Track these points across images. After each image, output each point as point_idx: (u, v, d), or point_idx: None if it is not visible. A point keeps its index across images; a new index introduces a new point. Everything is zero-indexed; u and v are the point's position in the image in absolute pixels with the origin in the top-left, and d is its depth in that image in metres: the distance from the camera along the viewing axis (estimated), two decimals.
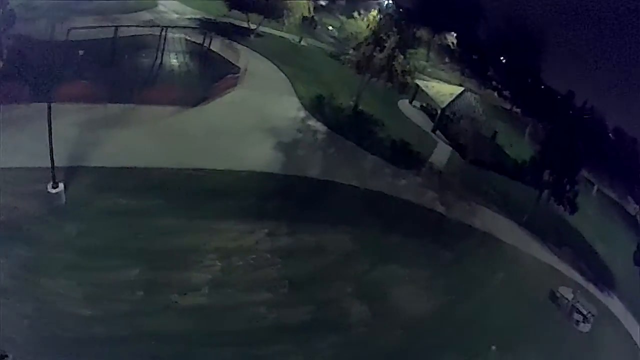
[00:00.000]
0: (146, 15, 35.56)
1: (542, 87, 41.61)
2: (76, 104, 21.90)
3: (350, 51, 30.57)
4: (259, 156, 22.87)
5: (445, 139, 32.73)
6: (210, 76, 27.01)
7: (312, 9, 37.77)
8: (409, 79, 30.44)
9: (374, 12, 33.80)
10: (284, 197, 21.06)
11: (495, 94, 44.25)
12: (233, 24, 36.12)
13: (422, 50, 37.27)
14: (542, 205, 29.69)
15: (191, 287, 15.78)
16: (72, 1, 34.67)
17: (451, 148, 31.98)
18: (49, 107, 16.18)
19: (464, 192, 28.11)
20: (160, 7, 38.53)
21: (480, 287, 21.95)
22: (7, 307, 13.05)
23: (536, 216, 28.70)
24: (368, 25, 30.74)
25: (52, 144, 16.71)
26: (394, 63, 29.18)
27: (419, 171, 27.83)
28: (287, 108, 28.14)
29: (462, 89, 33.81)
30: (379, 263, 20.13)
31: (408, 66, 29.84)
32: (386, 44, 29.11)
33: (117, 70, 26.27)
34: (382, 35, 29.24)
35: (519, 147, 36.70)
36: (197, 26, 33.87)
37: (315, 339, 16.09)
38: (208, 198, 19.48)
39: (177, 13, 37.34)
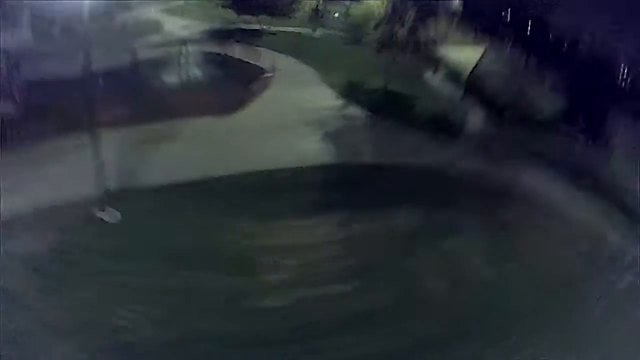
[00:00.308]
0: (154, 38, 35.56)
1: (551, 35, 40.83)
2: (111, 128, 21.78)
3: (370, 32, 30.32)
4: (310, 149, 23.13)
5: (475, 104, 32.43)
6: (242, 80, 27.29)
7: None
8: (433, 49, 30.24)
9: None
10: (343, 185, 21.13)
11: (509, 50, 43.66)
12: (243, 29, 35.91)
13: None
14: (580, 154, 29.29)
15: (272, 288, 15.75)
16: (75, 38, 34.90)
17: (483, 112, 31.65)
18: (95, 130, 16.60)
19: (506, 153, 27.84)
20: (166, 28, 38.51)
21: (539, 249, 21.01)
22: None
23: (576, 166, 28.19)
24: (383, 3, 30.52)
25: (102, 168, 16.90)
26: (417, 35, 29.00)
27: (462, 139, 27.57)
28: (324, 98, 28.22)
29: (481, 51, 33.41)
30: (445, 237, 19.77)
31: (431, 37, 29.56)
32: (406, 18, 28.91)
33: (146, 90, 26.45)
34: (400, 9, 29.00)
35: (543, 99, 36.24)
36: (210, 37, 33.82)
37: (404, 321, 15.68)
38: (269, 198, 19.62)
39: (185, 29, 37.24)
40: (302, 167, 21.86)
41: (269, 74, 28.09)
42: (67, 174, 19.54)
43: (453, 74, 33.81)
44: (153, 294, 14.75)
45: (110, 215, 16.88)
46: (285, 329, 14.35)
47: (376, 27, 30.16)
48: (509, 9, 39.04)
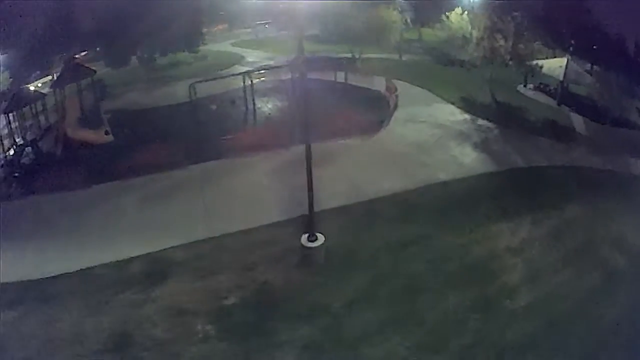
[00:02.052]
0: (240, 68, 36.21)
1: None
2: (258, 153, 22.72)
3: (469, 49, 31.81)
4: (471, 160, 24.00)
5: (571, 109, 34.03)
6: (373, 102, 28.32)
7: (409, 21, 38.79)
8: (530, 61, 31.89)
9: (459, 10, 35.40)
10: (518, 188, 21.98)
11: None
12: (331, 57, 36.82)
13: None
14: None
15: (513, 289, 16.06)
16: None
17: (580, 116, 33.23)
18: (308, 148, 15.35)
19: (612, 149, 29.19)
20: (249, 59, 39.31)
21: None
22: None
23: None
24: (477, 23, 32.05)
25: (311, 190, 15.57)
26: (519, 49, 30.62)
27: (576, 141, 28.91)
28: (451, 113, 29.23)
29: (565, 59, 35.30)
30: (607, 218, 21.07)
31: (528, 49, 31.21)
32: (506, 34, 30.54)
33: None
34: (501, 25, 30.63)
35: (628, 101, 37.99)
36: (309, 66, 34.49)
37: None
38: (460, 208, 20.05)
39: (268, 59, 38.04)
40: (473, 175, 22.52)
41: (396, 95, 28.85)
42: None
43: (541, 85, 35.60)
44: None
45: (313, 240, 15.93)
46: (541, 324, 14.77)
47: (478, 43, 31.50)
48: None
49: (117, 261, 15.49)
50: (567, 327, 14.87)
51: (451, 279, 16.08)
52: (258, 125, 25.94)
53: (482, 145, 25.27)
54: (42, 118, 28.02)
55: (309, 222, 15.90)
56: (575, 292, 16.34)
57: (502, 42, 30.23)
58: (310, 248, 15.80)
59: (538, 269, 17.09)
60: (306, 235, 15.96)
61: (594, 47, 40.22)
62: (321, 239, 15.94)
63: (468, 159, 23.77)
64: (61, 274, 14.87)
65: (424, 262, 16.71)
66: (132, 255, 15.69)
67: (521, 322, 14.80)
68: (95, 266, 15.18)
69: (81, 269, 15.03)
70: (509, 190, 21.68)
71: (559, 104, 34.45)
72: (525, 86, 36.56)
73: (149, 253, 15.87)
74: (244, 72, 28.95)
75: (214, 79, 28.60)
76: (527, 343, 14.04)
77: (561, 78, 34.07)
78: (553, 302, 15.77)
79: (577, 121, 32.52)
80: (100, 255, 15.59)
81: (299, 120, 25.29)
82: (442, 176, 21.89)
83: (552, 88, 35.55)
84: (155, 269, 15.28)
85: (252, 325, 13.31)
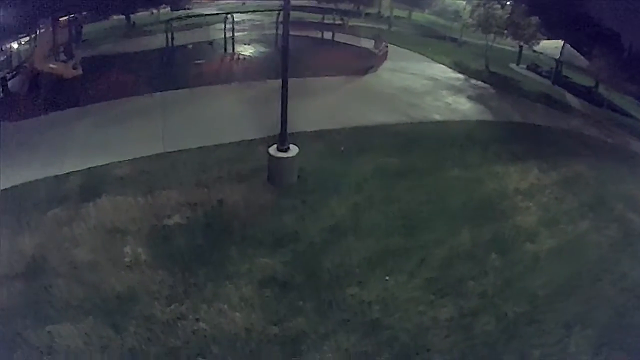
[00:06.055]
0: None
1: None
2: (230, 84, 21.21)
3: (465, 16, 30.21)
4: (463, 107, 22.05)
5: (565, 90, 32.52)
6: (360, 54, 26.60)
7: None
8: (527, 31, 30.27)
9: None
10: (519, 138, 19.92)
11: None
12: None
13: None
14: None
15: (529, 231, 13.82)
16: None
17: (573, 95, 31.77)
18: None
19: (609, 126, 27.70)
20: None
21: None
22: None
23: None
24: None
25: (285, 88, 13.10)
26: (515, 17, 29.04)
27: (573, 113, 27.48)
28: (442, 71, 27.46)
29: (561, 41, 33.86)
30: (615, 179, 19.41)
31: (528, 20, 29.66)
32: (503, 2, 29.01)
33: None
34: None
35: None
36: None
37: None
38: (460, 145, 17.96)
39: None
40: (470, 120, 20.60)
41: (386, 45, 26.94)
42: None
43: (532, 65, 34.20)
44: None
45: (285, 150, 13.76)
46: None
47: (474, 10, 29.88)
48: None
49: (53, 177, 13.67)
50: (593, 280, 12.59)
51: (459, 213, 13.73)
52: (235, 60, 24.56)
53: (477, 99, 23.47)
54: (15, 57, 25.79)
55: (281, 132, 13.35)
56: (596, 245, 14.20)
57: (498, 11, 28.31)
58: (280, 160, 13.24)
59: (554, 216, 14.91)
60: (275, 145, 13.42)
61: (588, 41, 39.44)
62: (294, 149, 13.44)
63: (463, 107, 21.86)
64: None
65: (425, 193, 14.29)
66: (71, 171, 13.93)
67: (547, 267, 12.48)
68: (27, 183, 13.39)
69: (9, 187, 13.13)
70: (510, 138, 19.71)
71: (553, 84, 32.86)
72: (517, 65, 34.96)
73: (90, 168, 14.06)
74: (227, 13, 27.23)
75: (195, 15, 27.89)
76: (558, 291, 11.65)
77: (557, 57, 32.55)
78: (576, 251, 13.53)
79: (573, 100, 30.99)
80: (36, 172, 13.90)
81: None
82: (437, 117, 19.92)
83: (544, 70, 34.04)
84: (92, 184, 13.35)
85: (197, 251, 10.92)
